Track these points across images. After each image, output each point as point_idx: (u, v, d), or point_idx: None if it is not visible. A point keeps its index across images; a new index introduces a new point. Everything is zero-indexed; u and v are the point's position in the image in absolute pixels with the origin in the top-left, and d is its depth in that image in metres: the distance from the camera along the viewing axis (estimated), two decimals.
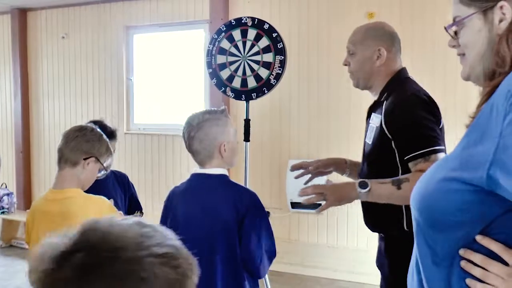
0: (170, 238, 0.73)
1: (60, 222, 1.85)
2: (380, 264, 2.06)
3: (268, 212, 3.51)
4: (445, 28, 1.12)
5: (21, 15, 5.89)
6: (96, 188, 2.40)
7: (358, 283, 4.20)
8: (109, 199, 2.52)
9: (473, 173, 0.87)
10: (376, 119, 1.96)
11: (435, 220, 0.94)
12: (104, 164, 2.02)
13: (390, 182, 1.75)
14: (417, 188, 1.00)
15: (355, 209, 4.17)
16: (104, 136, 2.02)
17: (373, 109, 2.06)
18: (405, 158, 1.80)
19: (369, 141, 2.00)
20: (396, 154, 1.85)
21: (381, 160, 1.92)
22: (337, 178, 2.18)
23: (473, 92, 1.07)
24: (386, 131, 1.87)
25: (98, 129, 2.03)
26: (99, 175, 2.04)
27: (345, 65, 2.07)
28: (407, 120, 1.81)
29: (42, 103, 5.93)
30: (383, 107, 1.92)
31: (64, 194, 1.90)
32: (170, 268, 0.68)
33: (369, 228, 2.09)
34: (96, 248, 0.68)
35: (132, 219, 0.74)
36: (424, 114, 1.80)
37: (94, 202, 1.93)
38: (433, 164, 1.02)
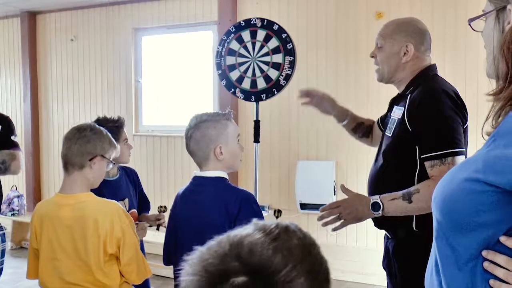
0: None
1: (75, 226, 1.87)
2: (387, 266, 2.03)
3: (280, 211, 3.44)
4: (468, 20, 1.10)
5: (31, 18, 5.93)
6: (112, 189, 2.43)
7: (368, 284, 4.18)
8: (124, 199, 2.53)
9: (500, 176, 0.86)
10: (399, 111, 1.92)
11: (458, 222, 0.92)
12: (111, 157, 2.00)
13: (401, 197, 1.75)
14: (439, 189, 0.99)
15: None
16: (105, 131, 1.99)
17: (396, 101, 2.02)
18: (422, 156, 1.78)
19: (389, 133, 1.95)
20: (417, 151, 1.81)
21: (400, 155, 1.88)
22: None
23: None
24: (408, 125, 1.83)
25: (96, 126, 1.99)
26: (107, 169, 2.03)
27: (372, 57, 2.06)
28: (431, 116, 1.78)
29: (51, 106, 5.97)
30: (408, 100, 1.88)
31: (77, 199, 1.91)
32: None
33: (375, 224, 2.05)
34: (257, 273, 0.65)
35: (269, 234, 0.71)
36: (450, 112, 1.76)
37: (107, 205, 1.94)
38: (455, 166, 1.01)
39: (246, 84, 3.43)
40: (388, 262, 2.01)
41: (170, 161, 5.20)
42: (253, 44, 3.39)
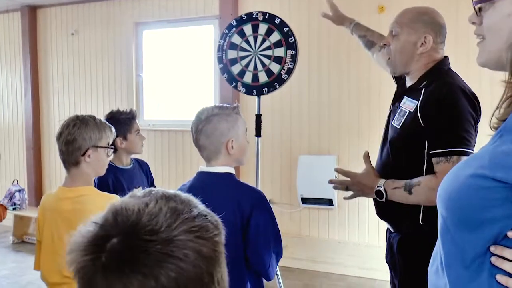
0: (196, 206, 0.76)
1: (74, 220, 1.86)
2: (391, 262, 2.00)
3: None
4: (473, 1, 1.04)
5: (31, 12, 5.91)
6: (128, 177, 2.59)
7: (369, 279, 4.18)
8: (139, 187, 2.61)
9: (508, 172, 0.84)
10: (411, 103, 1.88)
11: (464, 218, 0.91)
12: (109, 143, 1.97)
13: (403, 187, 1.78)
14: (443, 186, 0.97)
15: (366, 204, 4.16)
16: (91, 122, 1.94)
17: (407, 93, 1.96)
18: (430, 152, 1.76)
19: (397, 124, 1.92)
20: (426, 145, 1.79)
21: (408, 148, 1.86)
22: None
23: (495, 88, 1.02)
24: (420, 119, 1.80)
25: (80, 117, 1.95)
26: (110, 155, 2.01)
27: (384, 45, 2.01)
28: (447, 114, 1.75)
29: (52, 100, 5.96)
30: (422, 93, 1.84)
31: (77, 192, 1.91)
32: (203, 240, 0.70)
33: (378, 215, 2.04)
34: (130, 233, 0.67)
35: (156, 194, 0.74)
36: (466, 113, 1.74)
37: (107, 199, 1.92)
38: (460, 161, 0.99)
39: (248, 78, 3.41)
40: (392, 258, 1.98)
41: (172, 155, 5.19)
42: (255, 38, 3.38)
